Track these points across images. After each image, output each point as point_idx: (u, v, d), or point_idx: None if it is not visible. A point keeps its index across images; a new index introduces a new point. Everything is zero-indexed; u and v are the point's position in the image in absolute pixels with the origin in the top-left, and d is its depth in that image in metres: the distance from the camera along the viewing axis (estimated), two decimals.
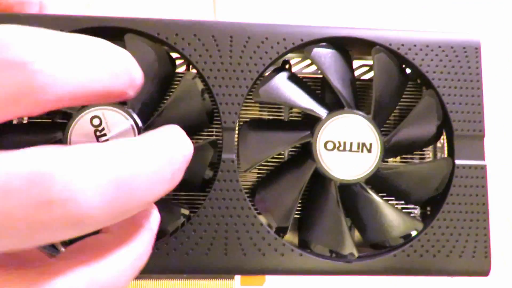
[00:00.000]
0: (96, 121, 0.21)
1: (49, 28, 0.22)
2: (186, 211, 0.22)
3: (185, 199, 0.24)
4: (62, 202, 0.12)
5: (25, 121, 0.24)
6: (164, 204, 0.22)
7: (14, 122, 0.23)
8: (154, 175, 0.14)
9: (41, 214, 0.12)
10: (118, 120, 0.21)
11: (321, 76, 0.25)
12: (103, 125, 0.21)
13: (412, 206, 0.25)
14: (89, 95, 0.14)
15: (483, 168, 0.23)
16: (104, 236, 0.15)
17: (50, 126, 0.23)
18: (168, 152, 0.15)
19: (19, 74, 0.12)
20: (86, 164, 0.13)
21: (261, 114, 0.25)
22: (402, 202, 0.25)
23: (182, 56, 0.23)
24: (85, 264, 0.14)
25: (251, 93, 0.23)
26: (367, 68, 0.26)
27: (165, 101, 0.23)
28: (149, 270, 0.21)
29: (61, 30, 0.22)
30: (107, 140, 0.22)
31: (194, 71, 0.23)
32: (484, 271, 0.22)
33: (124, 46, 0.23)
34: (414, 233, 0.23)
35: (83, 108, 0.21)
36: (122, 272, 0.15)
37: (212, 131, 0.24)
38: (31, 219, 0.12)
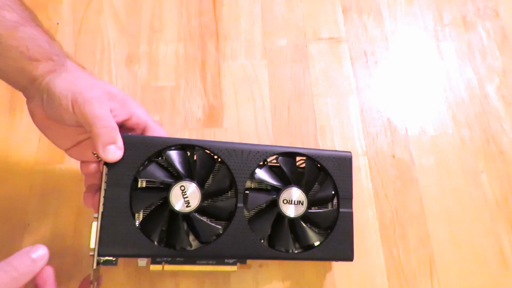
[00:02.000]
0: (182, 187, 0.47)
1: (150, 144, 0.48)
2: (220, 229, 0.48)
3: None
4: None
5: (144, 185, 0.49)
6: (206, 225, 0.48)
7: (142, 185, 0.48)
8: None
9: None
10: (191, 186, 0.47)
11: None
12: (185, 189, 0.47)
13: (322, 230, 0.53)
14: None
15: (351, 213, 0.51)
16: None
17: (163, 189, 0.48)
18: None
19: None
20: None
21: (251, 185, 0.52)
22: (317, 228, 0.53)
23: (219, 157, 0.49)
24: None
25: (250, 176, 0.50)
26: (302, 160, 0.55)
27: (211, 176, 0.50)
28: (199, 257, 0.47)
29: (161, 147, 0.48)
30: (187, 196, 0.47)
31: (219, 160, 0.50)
32: (351, 258, 0.50)
33: (193, 153, 0.49)
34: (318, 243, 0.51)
35: (176, 181, 0.47)
36: None
37: (227, 193, 0.51)
38: None
